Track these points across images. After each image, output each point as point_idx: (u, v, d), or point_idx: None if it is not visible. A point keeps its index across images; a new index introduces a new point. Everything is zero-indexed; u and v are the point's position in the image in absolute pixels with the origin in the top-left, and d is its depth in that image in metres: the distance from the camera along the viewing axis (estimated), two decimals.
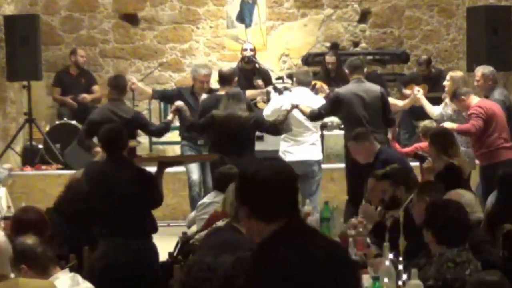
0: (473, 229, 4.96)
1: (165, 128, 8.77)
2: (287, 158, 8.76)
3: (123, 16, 12.96)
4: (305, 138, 9.04)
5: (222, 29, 12.97)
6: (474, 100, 8.60)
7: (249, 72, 10.95)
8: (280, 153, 9.02)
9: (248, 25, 12.93)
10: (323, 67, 11.32)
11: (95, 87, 11.67)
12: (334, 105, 8.66)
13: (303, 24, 13.09)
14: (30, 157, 11.17)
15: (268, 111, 9.08)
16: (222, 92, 8.72)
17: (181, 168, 9.54)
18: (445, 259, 4.45)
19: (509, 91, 11.88)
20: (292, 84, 9.37)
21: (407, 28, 13.20)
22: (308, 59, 12.25)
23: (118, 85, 8.47)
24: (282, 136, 8.95)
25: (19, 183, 10.57)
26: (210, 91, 9.34)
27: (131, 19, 12.98)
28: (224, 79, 8.96)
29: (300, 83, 9.18)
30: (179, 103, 8.66)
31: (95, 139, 7.79)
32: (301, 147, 8.98)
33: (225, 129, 8.19)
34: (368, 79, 9.11)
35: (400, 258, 4.81)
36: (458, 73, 9.43)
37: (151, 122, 8.69)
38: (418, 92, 9.37)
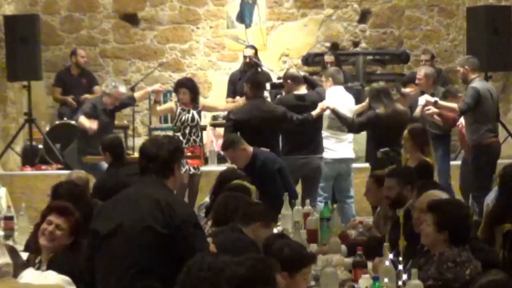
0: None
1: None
2: (329, 155, 8.98)
3: (123, 16, 12.96)
4: (345, 136, 9.19)
5: (222, 29, 12.97)
6: None
7: None
8: None
9: (248, 25, 12.93)
10: (323, 67, 11.33)
11: (96, 88, 11.65)
12: (477, 100, 8.85)
13: (303, 24, 13.09)
14: (30, 157, 11.16)
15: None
16: (300, 92, 8.79)
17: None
18: (445, 259, 4.44)
19: (509, 91, 11.90)
20: (324, 83, 9.34)
21: (407, 28, 13.21)
22: (308, 59, 12.25)
23: (257, 82, 8.39)
24: (324, 134, 8.97)
25: (19, 183, 10.57)
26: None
27: (131, 19, 12.98)
28: (300, 80, 8.99)
29: (336, 82, 9.27)
30: (326, 102, 8.66)
31: None
32: (342, 145, 9.17)
33: (391, 125, 8.39)
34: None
35: (400, 258, 4.81)
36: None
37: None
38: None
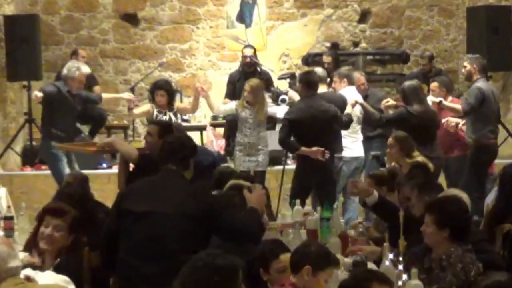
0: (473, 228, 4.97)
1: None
2: (346, 153, 9.11)
3: (123, 16, 12.96)
4: (359, 135, 9.42)
5: (222, 29, 12.98)
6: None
7: (250, 75, 10.95)
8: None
9: (248, 25, 12.93)
10: (323, 67, 11.32)
11: (96, 88, 11.64)
12: (481, 100, 8.93)
13: (303, 24, 13.09)
14: (30, 157, 11.16)
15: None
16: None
17: None
18: (454, 261, 4.45)
19: (509, 91, 11.90)
20: (338, 83, 9.44)
21: (407, 28, 13.21)
22: (308, 59, 12.25)
23: (309, 80, 8.41)
24: (342, 133, 9.01)
25: (19, 183, 10.57)
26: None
27: (131, 19, 12.98)
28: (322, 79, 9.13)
29: (351, 82, 9.47)
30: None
31: None
32: (357, 143, 9.39)
33: (423, 123, 8.36)
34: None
35: (400, 258, 4.81)
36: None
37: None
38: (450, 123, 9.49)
